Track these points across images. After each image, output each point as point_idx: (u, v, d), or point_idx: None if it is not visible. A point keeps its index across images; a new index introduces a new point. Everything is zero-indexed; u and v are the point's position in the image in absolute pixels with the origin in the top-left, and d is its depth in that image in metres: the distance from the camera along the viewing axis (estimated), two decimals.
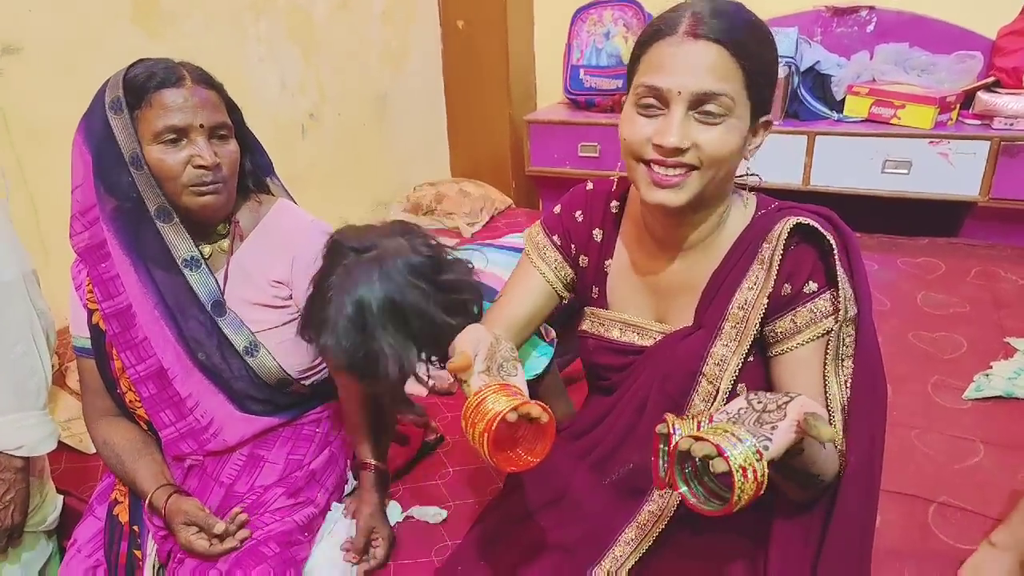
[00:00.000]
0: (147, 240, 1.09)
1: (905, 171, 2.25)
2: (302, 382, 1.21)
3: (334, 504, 1.25)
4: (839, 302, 0.86)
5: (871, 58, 2.44)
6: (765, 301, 0.89)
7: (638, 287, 1.04)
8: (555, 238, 1.08)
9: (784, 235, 0.88)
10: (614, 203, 1.07)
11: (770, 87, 0.88)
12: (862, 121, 2.34)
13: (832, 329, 0.87)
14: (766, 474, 0.66)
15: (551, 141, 2.73)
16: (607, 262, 1.07)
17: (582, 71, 2.73)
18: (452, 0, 2.85)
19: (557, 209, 1.10)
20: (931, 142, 2.21)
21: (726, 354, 0.92)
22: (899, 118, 2.27)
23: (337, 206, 2.45)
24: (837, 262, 0.86)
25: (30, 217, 1.65)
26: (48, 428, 1.21)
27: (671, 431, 0.72)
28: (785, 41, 2.33)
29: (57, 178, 1.67)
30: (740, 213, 0.96)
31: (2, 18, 1.55)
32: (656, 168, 0.86)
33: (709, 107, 0.82)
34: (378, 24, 2.62)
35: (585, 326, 1.09)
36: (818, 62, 2.38)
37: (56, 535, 1.35)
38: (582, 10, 2.74)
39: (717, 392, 0.93)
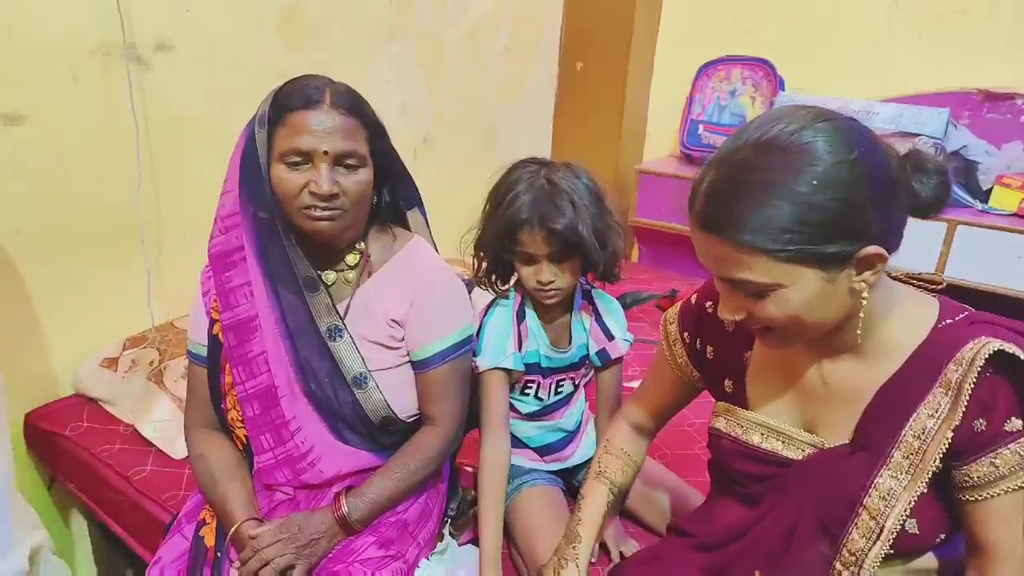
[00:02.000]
0: (274, 255, 1.06)
1: None
2: (405, 420, 1.15)
3: (423, 562, 1.17)
4: None
5: None
6: (949, 435, 0.77)
7: (783, 387, 0.93)
8: (685, 335, 1.04)
9: (980, 361, 0.75)
10: None
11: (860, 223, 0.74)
12: (1010, 215, 2.17)
13: None
14: None
15: (659, 193, 2.65)
16: (746, 354, 0.97)
17: (701, 126, 2.65)
18: (575, 41, 2.83)
19: (694, 299, 1.05)
20: None
21: (895, 488, 0.80)
22: None
23: (435, 235, 2.42)
24: None
25: (152, 212, 1.66)
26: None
27: None
28: (934, 121, 2.20)
29: (182, 176, 1.70)
30: (917, 316, 0.83)
31: (161, 15, 1.58)
32: None
33: None
34: (499, 58, 2.61)
35: (719, 424, 0.98)
36: (964, 147, 2.22)
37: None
38: (709, 65, 2.67)
39: (882, 530, 0.80)
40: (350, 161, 1.03)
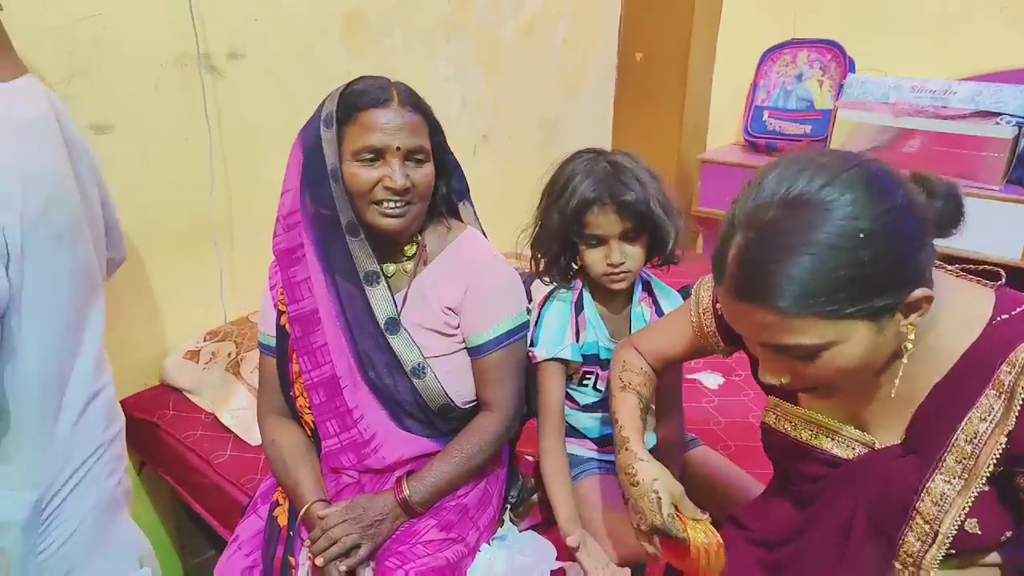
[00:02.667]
0: (336, 251, 1.11)
1: None
2: (463, 406, 1.19)
3: (483, 546, 1.21)
4: None
5: None
6: (1003, 440, 0.73)
7: None
8: (718, 307, 0.99)
9: None
10: None
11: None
12: None
13: None
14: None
15: (724, 183, 2.59)
16: None
17: (766, 113, 2.57)
18: (634, 32, 2.80)
19: None
20: None
21: (948, 492, 0.76)
22: None
23: (494, 230, 2.45)
24: None
25: (224, 214, 1.76)
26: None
27: None
28: (1017, 98, 2.07)
29: (253, 178, 1.79)
30: (970, 313, 0.78)
31: (234, 26, 1.66)
32: None
33: None
34: (559, 50, 2.61)
35: (769, 420, 0.96)
36: None
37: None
38: (774, 49, 2.59)
39: (936, 534, 0.77)
40: (419, 156, 1.08)
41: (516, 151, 2.53)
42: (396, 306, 1.14)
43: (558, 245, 1.20)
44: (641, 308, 1.27)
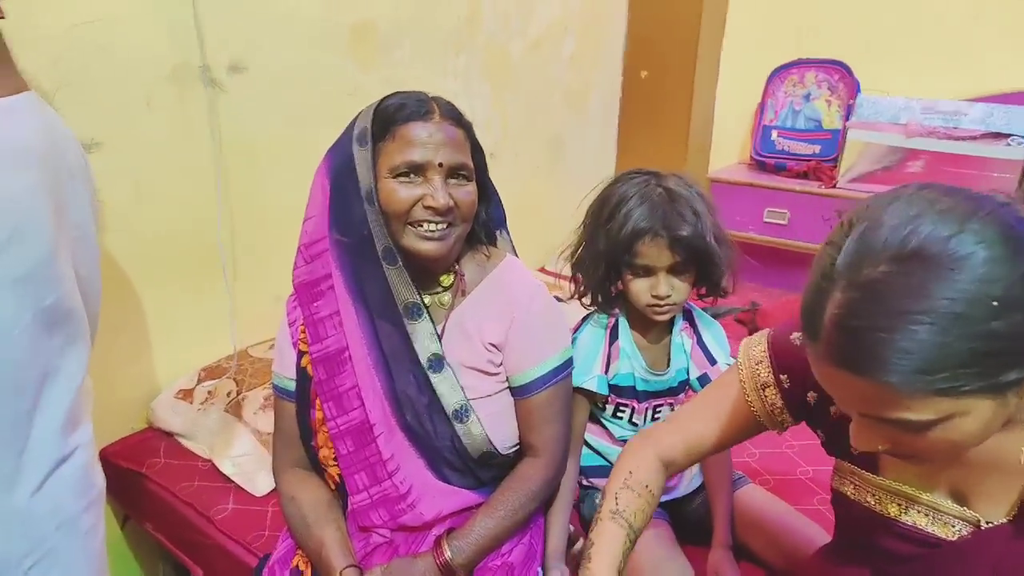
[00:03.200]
0: (370, 281, 0.99)
1: None
2: (505, 453, 1.07)
3: None
4: None
5: None
6: None
7: None
8: (783, 377, 0.85)
9: None
10: None
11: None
12: None
13: None
14: None
15: (732, 202, 2.53)
16: None
17: (775, 132, 2.53)
18: (639, 49, 2.74)
19: (796, 338, 0.84)
20: None
21: None
22: None
23: None
24: None
25: (227, 234, 1.61)
26: None
27: None
28: None
29: (257, 200, 1.66)
30: None
31: (235, 38, 1.53)
32: None
33: None
34: (565, 67, 2.53)
35: (846, 491, 0.83)
36: None
37: None
38: (782, 69, 2.56)
39: None
40: (463, 173, 0.98)
41: (523, 168, 2.44)
42: (440, 341, 1.02)
43: (603, 269, 1.13)
44: (682, 338, 1.20)
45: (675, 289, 1.10)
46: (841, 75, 2.46)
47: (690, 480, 1.27)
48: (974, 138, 2.17)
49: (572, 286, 1.19)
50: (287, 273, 1.07)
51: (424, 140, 0.94)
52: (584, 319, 1.20)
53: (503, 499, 1.05)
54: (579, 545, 1.22)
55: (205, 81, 1.48)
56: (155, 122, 1.44)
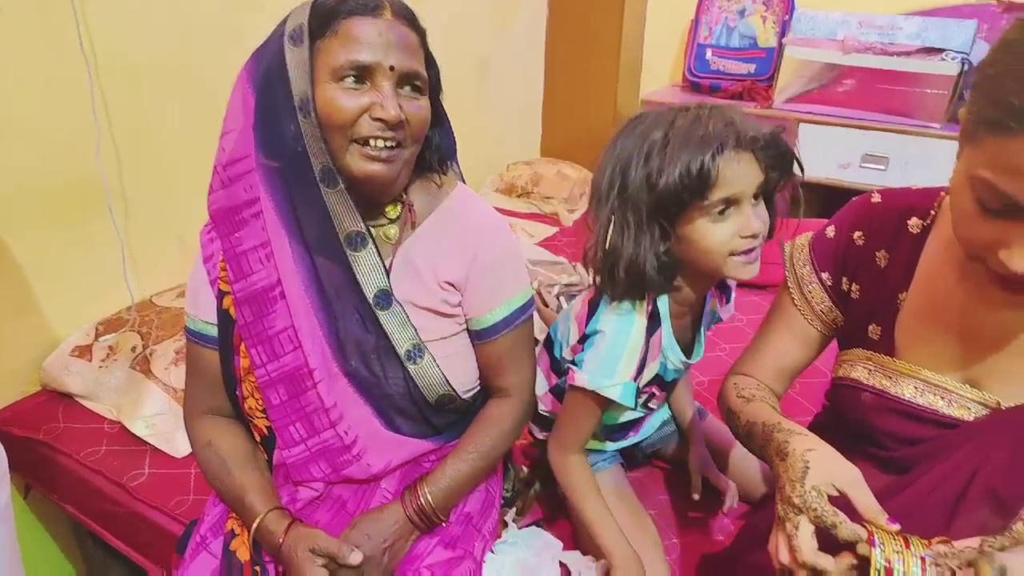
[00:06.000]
0: (305, 207, 0.86)
1: None
2: (464, 396, 0.98)
3: (488, 555, 1.02)
4: None
5: None
6: None
7: (940, 335, 0.79)
8: (824, 276, 0.89)
9: None
10: (913, 220, 0.83)
11: None
12: None
13: None
14: None
15: None
16: (900, 295, 0.82)
17: (709, 51, 2.45)
18: None
19: (830, 231, 0.90)
20: None
21: None
22: None
23: None
24: None
25: (112, 166, 1.41)
26: None
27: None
28: (961, 35, 2.05)
29: (143, 130, 1.44)
30: None
31: None
32: None
33: None
34: None
35: (858, 375, 0.85)
36: None
37: None
38: None
39: None
40: (416, 83, 0.84)
41: (449, 92, 2.26)
42: (387, 274, 0.90)
43: (654, 235, 0.85)
44: (713, 305, 1.01)
45: (765, 221, 0.84)
46: None
47: (654, 421, 1.19)
48: (908, 53, 2.16)
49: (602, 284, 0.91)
50: (194, 213, 0.92)
51: (373, 38, 0.80)
52: (590, 304, 0.95)
53: (475, 440, 0.98)
54: (534, 491, 1.15)
55: None
56: (7, 30, 1.20)
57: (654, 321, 0.92)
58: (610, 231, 0.86)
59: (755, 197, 0.84)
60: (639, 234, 0.84)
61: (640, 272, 0.85)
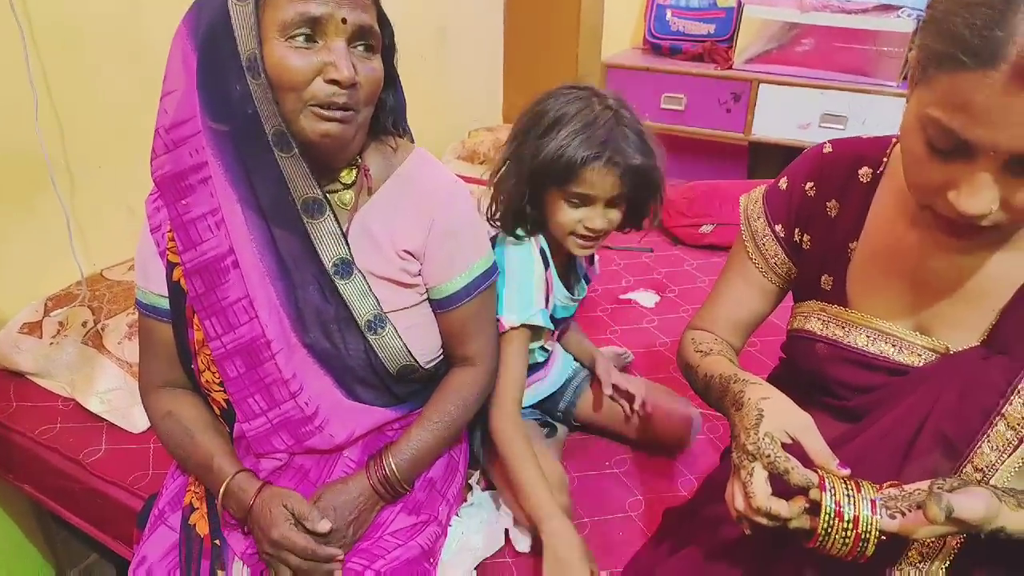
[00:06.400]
0: (259, 173, 0.83)
1: None
2: (426, 367, 0.97)
3: (454, 519, 1.03)
4: None
5: None
6: None
7: (891, 283, 0.81)
8: (778, 228, 0.90)
9: None
10: (864, 169, 0.84)
11: None
12: None
13: None
14: (871, 533, 0.63)
15: (629, 89, 2.44)
16: (851, 245, 0.84)
17: (669, 12, 2.43)
18: None
19: (783, 182, 0.91)
20: None
21: None
22: None
23: None
24: None
25: (55, 136, 1.35)
26: None
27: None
28: None
29: (85, 98, 1.38)
30: None
31: None
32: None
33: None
34: None
35: (812, 326, 0.86)
36: None
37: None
38: None
39: (1021, 441, 0.69)
40: (370, 42, 0.80)
41: (405, 60, 2.20)
42: (347, 243, 0.88)
43: (528, 191, 1.03)
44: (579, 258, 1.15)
45: (611, 222, 1.03)
46: None
47: (561, 367, 1.24)
48: (865, 11, 2.17)
49: (485, 204, 1.08)
50: (143, 181, 0.88)
51: None
52: (494, 240, 1.08)
53: (439, 409, 0.97)
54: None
55: None
56: None
57: (545, 259, 1.07)
58: (502, 170, 1.05)
59: (610, 203, 1.00)
60: (519, 183, 1.02)
61: (513, 211, 1.04)
